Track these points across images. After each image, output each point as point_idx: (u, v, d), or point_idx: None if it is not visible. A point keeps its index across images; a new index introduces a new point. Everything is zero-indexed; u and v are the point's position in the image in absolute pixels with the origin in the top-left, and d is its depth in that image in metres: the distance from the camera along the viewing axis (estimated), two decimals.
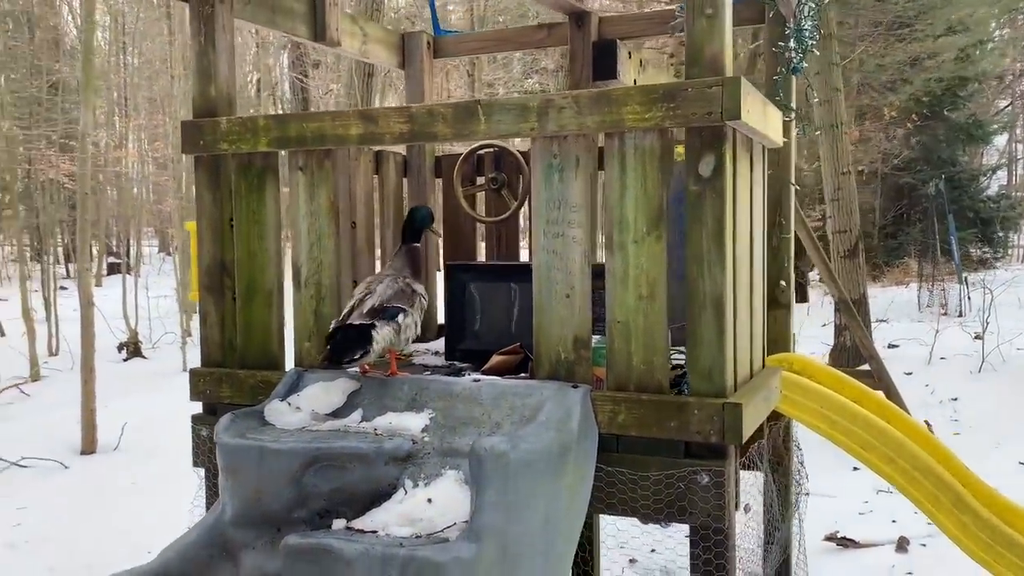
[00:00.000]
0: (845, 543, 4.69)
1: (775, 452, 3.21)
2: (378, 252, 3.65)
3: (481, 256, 4.11)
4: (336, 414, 2.48)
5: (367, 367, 2.58)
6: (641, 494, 2.29)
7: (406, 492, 2.19)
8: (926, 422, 6.41)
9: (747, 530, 3.06)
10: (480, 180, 3.81)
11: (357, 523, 2.14)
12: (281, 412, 2.47)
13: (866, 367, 6.75)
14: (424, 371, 2.86)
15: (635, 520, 2.53)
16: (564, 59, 3.94)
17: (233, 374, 2.80)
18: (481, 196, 3.86)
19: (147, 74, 17.23)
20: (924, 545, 4.54)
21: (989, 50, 15.82)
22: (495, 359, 2.76)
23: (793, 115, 3.24)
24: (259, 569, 2.20)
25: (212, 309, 2.86)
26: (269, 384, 2.69)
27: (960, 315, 11.65)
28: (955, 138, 15.90)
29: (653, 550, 4.03)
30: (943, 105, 15.16)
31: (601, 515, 2.82)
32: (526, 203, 3.49)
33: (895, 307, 12.27)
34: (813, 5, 3.09)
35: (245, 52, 16.46)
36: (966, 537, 2.74)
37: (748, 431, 2.28)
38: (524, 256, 3.87)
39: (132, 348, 10.97)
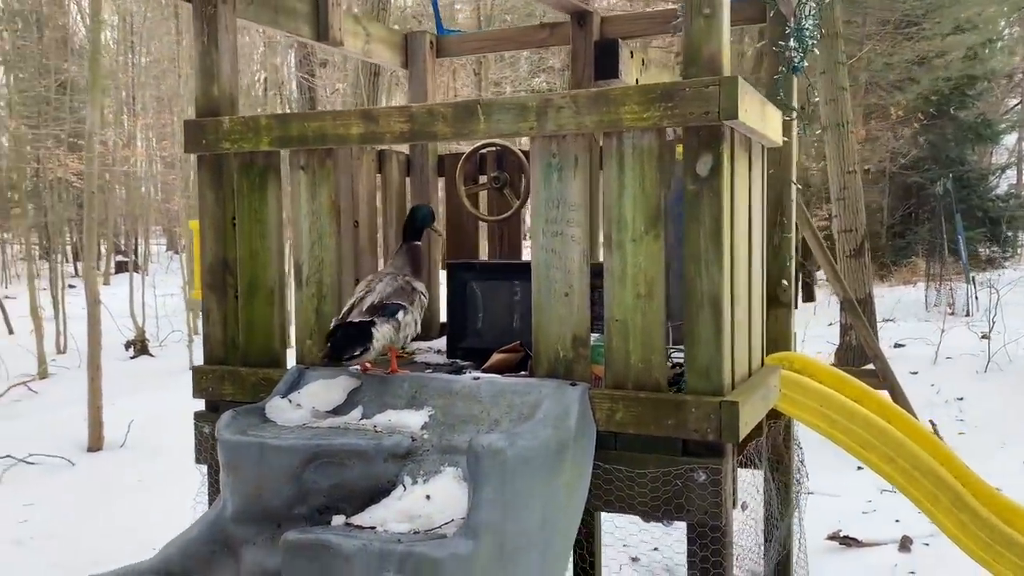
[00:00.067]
0: (848, 542, 4.69)
1: (775, 450, 3.22)
2: (381, 251, 3.67)
3: (484, 255, 4.13)
4: (336, 411, 2.49)
5: (368, 364, 2.60)
6: (638, 491, 2.30)
7: (405, 489, 2.21)
8: (931, 422, 6.40)
9: (745, 528, 3.07)
10: (483, 179, 3.82)
11: (356, 519, 2.16)
12: (282, 409, 2.49)
13: (871, 367, 6.74)
14: (426, 369, 2.87)
15: (637, 518, 2.54)
16: (569, 58, 3.94)
17: (235, 371, 2.82)
18: (484, 195, 3.87)
19: (155, 73, 17.30)
20: (927, 544, 4.53)
21: (998, 48, 15.77)
22: (495, 357, 2.77)
23: (794, 114, 3.24)
24: (259, 565, 2.21)
25: (215, 307, 2.88)
26: (271, 381, 2.71)
27: (967, 315, 11.62)
28: (964, 137, 15.83)
29: (655, 548, 4.03)
30: (951, 104, 15.08)
31: (602, 513, 2.83)
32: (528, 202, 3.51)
33: (902, 306, 12.23)
34: (814, 5, 3.09)
35: (253, 51, 16.51)
36: (965, 536, 2.74)
37: (745, 429, 2.29)
38: (526, 255, 3.88)
39: (139, 346, 11.03)
